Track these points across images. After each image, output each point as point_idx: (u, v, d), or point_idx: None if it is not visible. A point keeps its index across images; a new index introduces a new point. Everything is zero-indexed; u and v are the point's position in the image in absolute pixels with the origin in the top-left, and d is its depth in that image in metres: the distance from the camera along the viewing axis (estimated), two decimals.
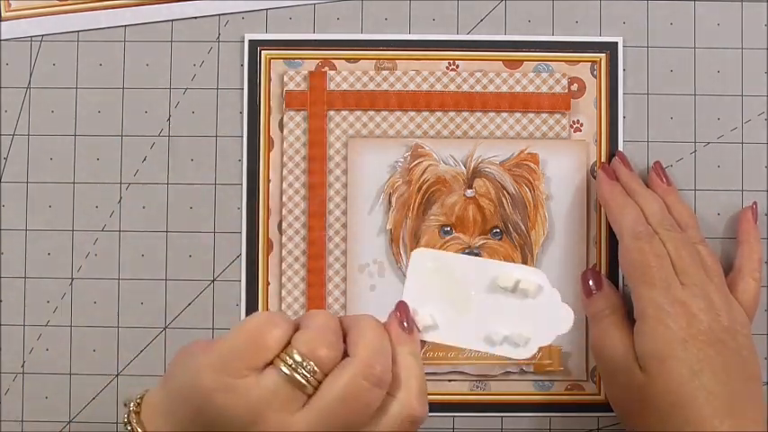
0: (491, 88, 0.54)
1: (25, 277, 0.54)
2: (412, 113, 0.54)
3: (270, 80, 0.54)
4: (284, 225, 0.54)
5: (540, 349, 0.44)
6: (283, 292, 0.54)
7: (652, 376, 0.46)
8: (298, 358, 0.38)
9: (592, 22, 0.55)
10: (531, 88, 0.54)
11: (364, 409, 0.38)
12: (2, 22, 0.55)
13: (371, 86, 0.54)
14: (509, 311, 0.42)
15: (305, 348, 0.38)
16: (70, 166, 0.55)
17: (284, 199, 0.54)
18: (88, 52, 0.55)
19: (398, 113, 0.54)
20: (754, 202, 0.54)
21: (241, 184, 0.54)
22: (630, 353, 0.48)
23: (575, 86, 0.54)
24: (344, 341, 0.40)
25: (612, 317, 0.50)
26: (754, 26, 0.55)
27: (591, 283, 0.52)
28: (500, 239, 0.53)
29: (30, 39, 0.55)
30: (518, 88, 0.54)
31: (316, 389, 0.38)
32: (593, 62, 0.54)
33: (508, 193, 0.53)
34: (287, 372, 0.37)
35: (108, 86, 0.55)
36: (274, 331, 0.38)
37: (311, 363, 0.38)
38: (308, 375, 0.38)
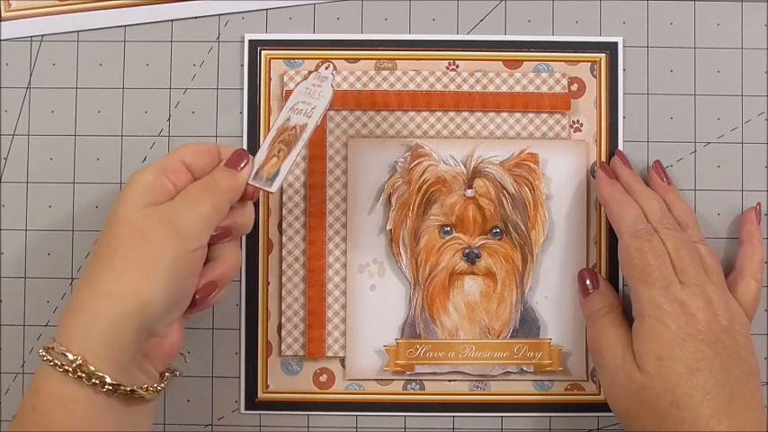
0: (491, 88, 0.54)
1: (25, 277, 0.54)
2: (412, 113, 0.54)
3: (270, 80, 0.54)
4: (284, 225, 0.54)
5: None
6: (283, 292, 0.54)
7: (650, 375, 0.46)
8: None
9: (592, 22, 0.55)
10: (531, 88, 0.54)
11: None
12: (2, 22, 0.55)
13: (371, 86, 0.54)
14: None
15: None
16: (70, 166, 0.55)
17: (284, 199, 0.54)
18: (88, 52, 0.55)
19: (398, 113, 0.54)
20: (758, 203, 0.54)
21: None
22: (628, 352, 0.48)
23: (575, 86, 0.54)
24: None
25: (609, 316, 0.51)
26: (754, 26, 0.55)
27: (588, 282, 0.52)
28: (500, 239, 0.53)
29: (30, 39, 0.55)
30: (518, 88, 0.54)
31: None
32: (593, 62, 0.54)
33: (508, 193, 0.53)
34: None
35: (108, 86, 0.55)
36: None
37: None
38: None
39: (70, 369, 0.42)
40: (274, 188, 0.49)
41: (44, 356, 0.43)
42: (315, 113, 0.51)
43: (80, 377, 0.42)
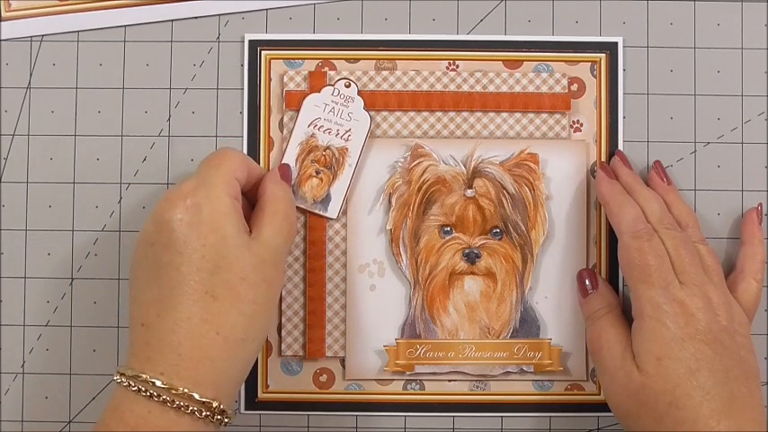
0: (491, 88, 0.54)
1: (25, 277, 0.55)
2: (412, 113, 0.54)
3: (270, 80, 0.54)
4: None
5: None
6: (283, 292, 0.54)
7: (649, 375, 0.46)
8: None
9: (592, 22, 0.55)
10: (531, 88, 0.54)
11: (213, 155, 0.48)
12: (2, 22, 0.55)
13: (371, 86, 0.54)
14: None
15: None
16: (70, 166, 0.55)
17: None
18: (88, 52, 0.55)
19: (398, 113, 0.54)
20: (760, 204, 0.54)
21: None
22: (628, 352, 0.48)
23: (575, 86, 0.54)
24: None
25: (609, 316, 0.51)
26: (754, 26, 0.55)
27: (587, 282, 0.52)
28: (500, 239, 0.53)
29: (30, 39, 0.55)
30: (518, 88, 0.54)
31: None
32: (593, 62, 0.54)
33: (508, 193, 0.53)
34: None
35: (108, 86, 0.55)
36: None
37: None
38: None
39: (208, 413, 0.44)
40: (334, 214, 0.53)
41: (178, 404, 0.43)
42: (354, 139, 0.53)
43: (207, 416, 0.44)
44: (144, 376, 0.43)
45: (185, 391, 0.43)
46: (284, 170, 0.51)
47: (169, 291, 0.45)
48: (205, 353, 0.44)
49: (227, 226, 0.45)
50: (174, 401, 0.43)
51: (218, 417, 0.44)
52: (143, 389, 0.43)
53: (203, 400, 0.44)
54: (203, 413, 0.44)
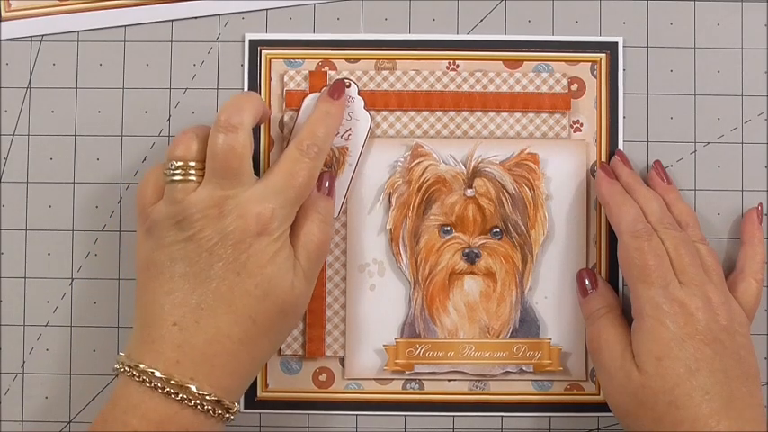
0: (491, 88, 0.54)
1: (25, 277, 0.55)
2: (412, 113, 0.54)
3: (270, 80, 0.54)
4: None
5: None
6: None
7: (649, 375, 0.46)
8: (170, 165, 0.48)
9: (592, 22, 0.55)
10: (531, 88, 0.54)
11: (294, 179, 0.47)
12: (2, 22, 0.55)
13: (371, 86, 0.54)
14: None
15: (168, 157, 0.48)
16: (70, 166, 0.55)
17: None
18: (88, 52, 0.55)
19: (398, 113, 0.54)
20: (760, 204, 0.54)
21: None
22: (627, 351, 0.48)
23: (575, 86, 0.54)
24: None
25: (608, 315, 0.51)
26: (754, 26, 0.55)
27: (586, 282, 0.52)
28: (500, 239, 0.53)
29: (30, 39, 0.55)
30: (518, 88, 0.54)
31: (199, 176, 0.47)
32: (593, 62, 0.54)
33: (508, 192, 0.53)
34: (167, 179, 0.47)
35: (108, 86, 0.55)
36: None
37: (174, 162, 0.47)
38: (177, 172, 0.47)
39: (210, 408, 0.45)
40: (336, 213, 0.52)
41: (197, 404, 0.44)
42: (355, 138, 0.53)
43: (208, 410, 0.45)
44: (158, 373, 0.44)
45: (210, 396, 0.45)
46: (330, 185, 0.51)
47: (214, 302, 0.46)
48: (235, 369, 0.46)
49: (281, 263, 0.47)
50: (188, 398, 0.44)
51: (221, 412, 0.45)
52: (147, 380, 0.45)
53: (216, 399, 0.45)
54: (206, 407, 0.45)
